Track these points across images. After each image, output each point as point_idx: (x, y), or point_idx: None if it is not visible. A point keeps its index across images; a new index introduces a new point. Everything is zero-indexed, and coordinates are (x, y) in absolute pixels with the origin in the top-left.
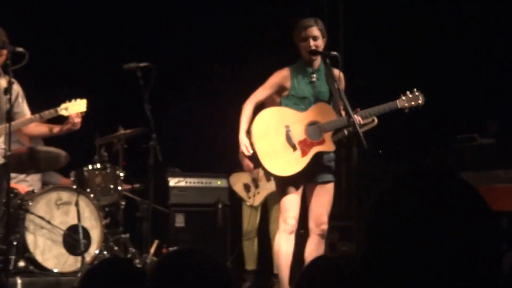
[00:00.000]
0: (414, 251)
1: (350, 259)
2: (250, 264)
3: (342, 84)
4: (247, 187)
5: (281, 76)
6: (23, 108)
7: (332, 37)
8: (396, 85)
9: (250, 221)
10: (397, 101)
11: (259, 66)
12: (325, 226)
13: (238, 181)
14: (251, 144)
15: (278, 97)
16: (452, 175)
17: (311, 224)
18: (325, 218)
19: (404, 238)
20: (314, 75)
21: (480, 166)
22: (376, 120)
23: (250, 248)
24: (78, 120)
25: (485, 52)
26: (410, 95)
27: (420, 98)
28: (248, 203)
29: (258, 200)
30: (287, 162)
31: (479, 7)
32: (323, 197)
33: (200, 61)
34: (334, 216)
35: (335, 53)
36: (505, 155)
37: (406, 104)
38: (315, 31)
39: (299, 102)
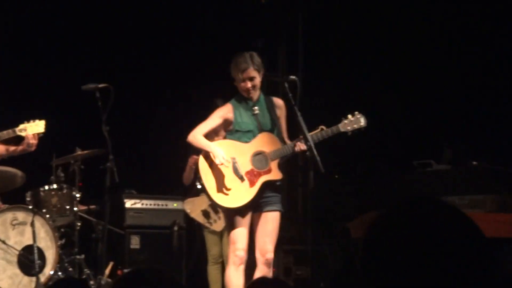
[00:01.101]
0: (413, 283)
1: (285, 284)
2: None
3: (283, 110)
4: (206, 214)
5: (226, 109)
6: None
7: (290, 59)
8: (352, 108)
9: (215, 246)
10: (339, 125)
11: (214, 90)
12: (270, 255)
13: (195, 208)
14: (199, 178)
15: (220, 135)
16: (441, 201)
17: (257, 254)
18: (270, 247)
19: (401, 271)
20: (256, 107)
21: (436, 192)
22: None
23: (216, 274)
24: (34, 141)
25: (441, 79)
26: (352, 118)
27: (362, 120)
28: (210, 229)
29: (220, 225)
30: (236, 194)
31: (429, 39)
32: (268, 226)
33: (157, 84)
34: (289, 240)
35: (293, 77)
36: (460, 181)
37: (349, 128)
38: (251, 72)
39: (243, 136)
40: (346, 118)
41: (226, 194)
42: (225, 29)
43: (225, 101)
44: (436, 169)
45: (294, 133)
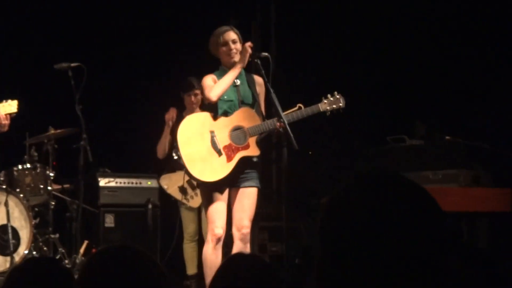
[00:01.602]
0: (369, 253)
1: (261, 259)
2: (191, 268)
3: (262, 88)
4: (183, 190)
5: (212, 78)
6: None
7: (263, 38)
8: (326, 87)
9: (191, 223)
10: (319, 105)
11: (186, 68)
12: (246, 230)
13: (172, 184)
14: (176, 149)
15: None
16: (402, 176)
17: (233, 229)
18: (246, 222)
19: (358, 240)
20: (237, 80)
21: (409, 167)
22: (302, 107)
23: (192, 251)
24: (6, 122)
25: (414, 54)
26: (332, 98)
27: (341, 101)
28: (187, 206)
29: (197, 202)
30: (213, 168)
31: (404, 14)
32: (244, 202)
33: (130, 61)
34: (264, 217)
35: (266, 54)
36: (433, 156)
37: (328, 108)
38: (232, 35)
39: (223, 104)
40: (326, 98)
41: (203, 167)
42: (198, 9)
43: (199, 78)
44: (409, 144)
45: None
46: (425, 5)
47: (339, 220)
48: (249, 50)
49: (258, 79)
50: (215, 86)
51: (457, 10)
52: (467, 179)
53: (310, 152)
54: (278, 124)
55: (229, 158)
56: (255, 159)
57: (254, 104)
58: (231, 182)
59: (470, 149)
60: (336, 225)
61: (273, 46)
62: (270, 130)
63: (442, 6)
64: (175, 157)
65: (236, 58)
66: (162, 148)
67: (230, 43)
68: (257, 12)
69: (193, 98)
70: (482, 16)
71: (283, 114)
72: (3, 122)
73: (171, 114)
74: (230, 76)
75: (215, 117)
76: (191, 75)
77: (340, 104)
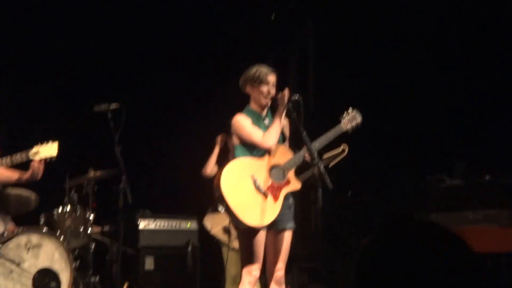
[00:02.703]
0: None
1: None
2: None
3: (287, 130)
4: (226, 230)
5: (248, 120)
6: None
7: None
8: (366, 123)
9: (234, 265)
10: (341, 125)
11: (225, 110)
12: (280, 273)
13: (215, 224)
14: (222, 199)
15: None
16: (436, 225)
17: (268, 272)
18: (281, 265)
19: (393, 285)
20: (266, 121)
21: (449, 207)
22: (346, 149)
23: None
24: (40, 168)
25: (454, 93)
26: (349, 116)
27: (357, 116)
28: (231, 247)
29: None
30: (263, 211)
31: (444, 53)
32: (280, 244)
33: (170, 103)
34: (303, 258)
35: (296, 97)
36: (473, 196)
37: (349, 126)
38: (275, 78)
39: (254, 148)
40: (343, 117)
41: (253, 213)
42: (236, 46)
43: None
44: (449, 184)
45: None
46: (466, 46)
47: (375, 265)
48: (287, 95)
49: (283, 121)
50: (268, 135)
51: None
52: (508, 219)
53: (349, 192)
54: (307, 154)
55: (276, 198)
56: (290, 200)
57: (284, 143)
58: (268, 224)
59: (511, 189)
60: (371, 271)
61: (311, 83)
62: (304, 162)
63: (485, 47)
64: (221, 211)
65: (268, 102)
66: (210, 166)
67: (271, 85)
68: (295, 48)
69: None
70: None
71: (315, 153)
72: (37, 169)
73: (223, 136)
74: (279, 122)
75: (251, 161)
76: (230, 112)
77: (358, 120)
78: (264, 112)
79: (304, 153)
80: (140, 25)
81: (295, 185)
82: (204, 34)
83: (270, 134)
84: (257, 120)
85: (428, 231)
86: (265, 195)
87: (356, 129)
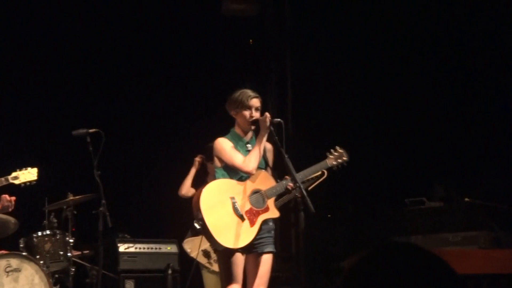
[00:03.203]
0: None
1: None
2: None
3: (271, 154)
4: (206, 253)
5: (230, 144)
6: None
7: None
8: (345, 146)
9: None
10: (326, 160)
11: (204, 133)
12: None
13: (195, 247)
14: (200, 217)
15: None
16: (417, 247)
17: None
18: None
19: None
20: (249, 145)
21: (429, 230)
22: (325, 172)
23: None
24: (10, 203)
25: (433, 115)
26: (336, 153)
27: (344, 155)
28: (210, 269)
29: None
30: (238, 234)
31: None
32: (260, 268)
33: (147, 128)
34: (283, 281)
35: (279, 120)
36: (453, 218)
37: (334, 162)
38: (258, 102)
39: (235, 172)
40: (330, 153)
41: (228, 234)
42: (214, 70)
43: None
44: (428, 206)
45: (282, 174)
46: (446, 63)
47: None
48: (269, 119)
49: (267, 145)
50: (249, 159)
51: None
52: (487, 240)
53: (328, 215)
54: (290, 184)
55: (252, 223)
56: (271, 223)
57: (266, 168)
58: (248, 248)
59: (490, 211)
60: None
61: (289, 107)
62: (284, 191)
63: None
64: (198, 227)
65: (253, 126)
66: (185, 187)
67: (253, 109)
68: (273, 74)
69: None
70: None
71: (298, 178)
72: (7, 203)
73: (200, 158)
74: (260, 146)
75: (232, 183)
76: (208, 138)
77: (344, 158)
78: (248, 137)
79: (286, 184)
80: (120, 50)
81: (273, 213)
82: (180, 58)
83: (251, 158)
84: (239, 143)
85: (409, 253)
86: (242, 218)
87: (341, 167)
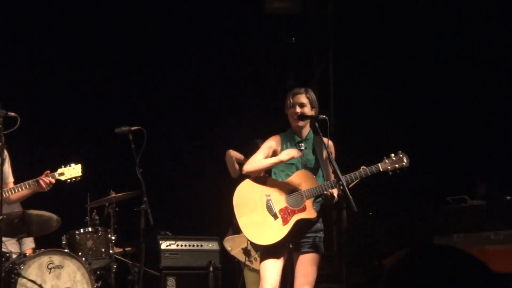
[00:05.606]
0: None
1: None
2: None
3: (331, 150)
4: (246, 252)
5: (274, 141)
6: (8, 174)
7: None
8: (386, 146)
9: (254, 285)
10: (379, 164)
11: (250, 132)
12: None
13: (235, 246)
14: (234, 216)
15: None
16: (456, 249)
17: None
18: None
19: None
20: (302, 144)
21: (471, 228)
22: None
23: None
24: (50, 184)
25: (474, 114)
26: (394, 158)
27: (404, 160)
28: (251, 267)
29: None
30: (269, 231)
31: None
32: (306, 267)
33: (190, 125)
34: (325, 279)
35: (323, 116)
36: (495, 216)
37: (389, 167)
38: (302, 98)
39: (286, 169)
40: (388, 157)
41: (258, 231)
42: (257, 69)
43: (264, 140)
44: (470, 204)
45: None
46: (491, 64)
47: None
48: (295, 155)
49: (329, 142)
50: (253, 162)
51: None
52: None
53: (370, 213)
54: (336, 189)
55: (285, 221)
56: (319, 224)
57: (317, 169)
58: (294, 246)
59: None
60: None
61: (331, 105)
62: (324, 193)
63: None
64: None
65: (301, 123)
66: (232, 169)
67: (297, 106)
68: (315, 71)
69: None
70: None
71: (341, 176)
72: (46, 185)
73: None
74: (270, 162)
75: (271, 181)
76: (252, 136)
77: (404, 163)
78: (304, 135)
79: (327, 186)
80: (163, 49)
81: (310, 213)
82: (223, 56)
83: (251, 162)
84: (291, 142)
85: (448, 255)
86: (274, 216)
87: (400, 172)
